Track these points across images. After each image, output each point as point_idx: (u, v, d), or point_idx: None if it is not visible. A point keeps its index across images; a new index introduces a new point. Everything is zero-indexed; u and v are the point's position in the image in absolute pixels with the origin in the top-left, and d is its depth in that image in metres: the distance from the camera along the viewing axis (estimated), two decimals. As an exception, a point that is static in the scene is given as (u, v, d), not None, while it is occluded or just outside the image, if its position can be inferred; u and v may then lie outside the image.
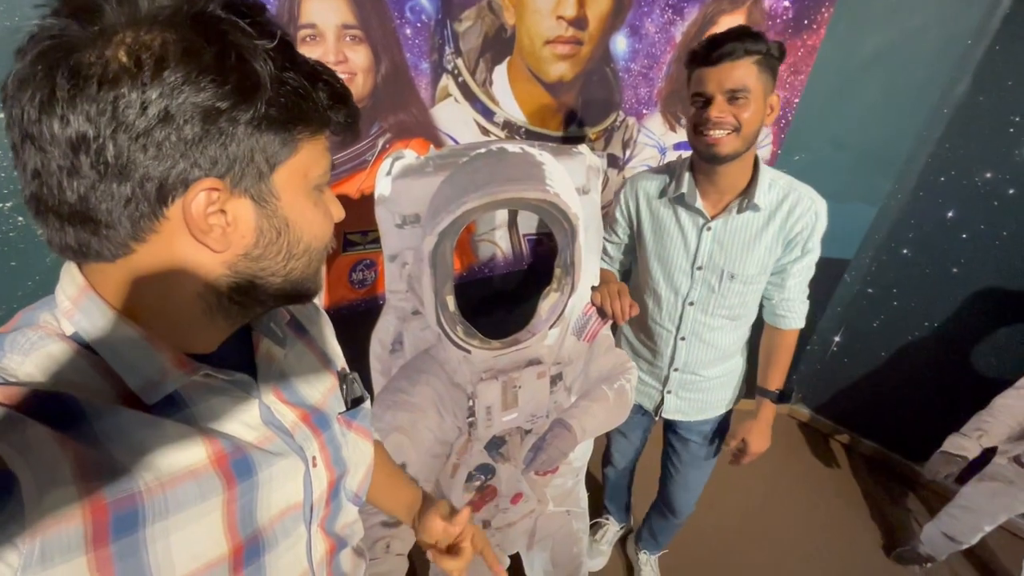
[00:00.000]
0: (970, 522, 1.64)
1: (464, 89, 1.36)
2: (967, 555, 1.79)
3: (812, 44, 1.69)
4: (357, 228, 1.32)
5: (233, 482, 0.41)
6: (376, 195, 0.84)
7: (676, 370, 1.24)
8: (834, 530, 1.93)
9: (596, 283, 1.13)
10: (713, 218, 1.08)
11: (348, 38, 1.14)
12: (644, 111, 1.65)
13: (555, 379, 1.11)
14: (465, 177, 0.88)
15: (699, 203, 1.07)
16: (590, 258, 1.09)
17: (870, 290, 2.14)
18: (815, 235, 1.06)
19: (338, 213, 0.46)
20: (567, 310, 1.07)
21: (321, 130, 0.40)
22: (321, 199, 0.43)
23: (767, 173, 1.06)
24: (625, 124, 1.66)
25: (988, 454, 1.60)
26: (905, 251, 2.01)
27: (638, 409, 1.37)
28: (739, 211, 1.05)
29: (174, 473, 0.37)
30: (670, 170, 1.14)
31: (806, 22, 1.64)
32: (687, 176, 1.08)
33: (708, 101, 0.94)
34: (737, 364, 1.27)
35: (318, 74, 0.38)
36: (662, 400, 1.29)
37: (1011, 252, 1.77)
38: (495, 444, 1.09)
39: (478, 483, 1.10)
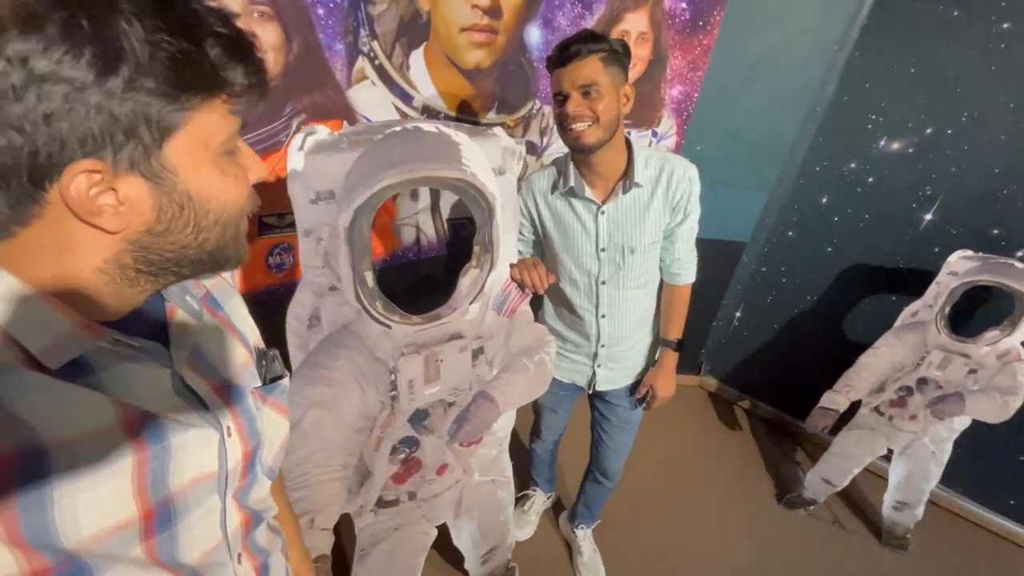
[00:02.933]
0: (842, 466, 1.89)
1: (381, 72, 1.36)
2: (841, 496, 2.05)
3: (707, 44, 1.85)
4: (273, 211, 1.30)
5: (143, 446, 0.40)
6: (288, 170, 0.84)
7: (603, 346, 1.34)
8: (737, 484, 2.15)
9: (514, 260, 1.18)
10: (604, 203, 1.18)
11: (256, 14, 1.11)
12: (559, 101, 1.73)
13: (477, 353, 1.16)
14: (380, 154, 0.90)
15: (588, 192, 1.17)
16: (507, 236, 1.15)
17: (764, 269, 2.38)
18: (693, 198, 1.18)
19: (257, 172, 0.44)
20: (487, 286, 1.11)
21: (215, 94, 0.37)
22: (232, 163, 0.41)
23: (641, 153, 1.17)
24: (541, 112, 1.74)
25: (856, 406, 1.86)
26: (790, 233, 2.25)
27: (569, 386, 1.45)
28: (624, 191, 1.16)
29: (80, 433, 0.37)
30: (557, 166, 1.23)
31: (701, 23, 1.80)
32: (572, 170, 1.17)
33: (566, 98, 1.04)
34: (651, 328, 1.39)
35: (206, 30, 0.35)
36: (594, 375, 1.39)
37: (871, 232, 2.04)
38: (419, 417, 1.12)
39: (402, 456, 1.13)
